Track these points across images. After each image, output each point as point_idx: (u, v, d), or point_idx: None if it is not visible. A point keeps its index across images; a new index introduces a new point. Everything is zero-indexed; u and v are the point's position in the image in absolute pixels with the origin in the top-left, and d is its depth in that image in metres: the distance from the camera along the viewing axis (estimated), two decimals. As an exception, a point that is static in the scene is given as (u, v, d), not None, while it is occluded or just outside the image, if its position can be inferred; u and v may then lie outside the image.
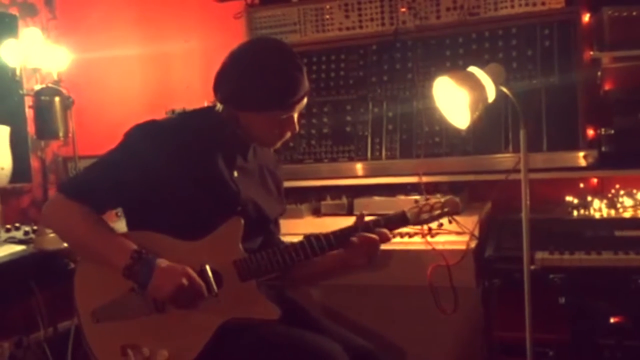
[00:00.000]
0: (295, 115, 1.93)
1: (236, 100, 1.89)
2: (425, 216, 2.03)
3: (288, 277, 2.11)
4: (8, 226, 2.68)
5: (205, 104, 2.26)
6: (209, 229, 1.89)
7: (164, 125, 1.95)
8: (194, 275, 1.80)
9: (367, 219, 1.99)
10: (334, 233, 1.96)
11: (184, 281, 1.77)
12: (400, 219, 2.02)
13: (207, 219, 1.89)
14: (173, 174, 1.86)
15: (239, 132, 1.92)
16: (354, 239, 1.93)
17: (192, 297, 1.79)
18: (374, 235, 1.94)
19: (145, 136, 1.88)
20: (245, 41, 1.96)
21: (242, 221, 1.91)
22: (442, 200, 2.06)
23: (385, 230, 1.96)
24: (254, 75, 1.84)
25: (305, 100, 1.92)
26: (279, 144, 2.02)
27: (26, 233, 2.60)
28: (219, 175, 1.93)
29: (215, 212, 1.90)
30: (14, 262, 2.34)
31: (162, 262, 1.79)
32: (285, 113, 1.89)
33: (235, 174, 1.97)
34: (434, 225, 2.14)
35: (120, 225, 2.02)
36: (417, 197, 2.36)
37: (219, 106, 1.94)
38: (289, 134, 1.97)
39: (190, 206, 1.87)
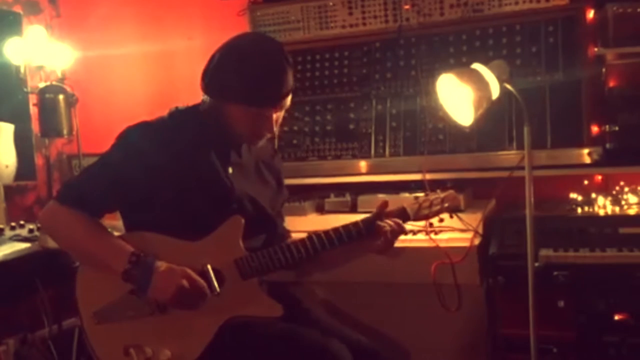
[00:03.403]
0: (275, 116, 1.90)
1: (219, 90, 1.87)
2: (425, 212, 2.05)
3: (296, 270, 2.12)
4: (13, 224, 2.68)
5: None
6: (207, 227, 1.89)
7: (156, 125, 1.94)
8: (194, 275, 1.80)
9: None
10: (337, 232, 1.96)
11: (184, 283, 1.77)
12: (401, 215, 2.03)
13: (204, 217, 1.89)
14: (167, 173, 1.85)
15: (225, 126, 1.90)
16: (383, 224, 1.94)
17: (193, 298, 1.79)
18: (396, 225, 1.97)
19: (138, 137, 1.88)
20: (236, 35, 1.94)
21: (243, 220, 1.91)
22: (442, 195, 2.07)
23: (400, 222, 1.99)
24: (235, 67, 1.83)
25: (286, 100, 1.90)
26: (259, 143, 2.00)
27: (31, 231, 2.60)
28: (212, 172, 1.92)
29: (211, 209, 1.90)
30: (18, 260, 2.34)
31: (161, 265, 1.78)
32: (262, 110, 1.87)
33: (230, 170, 1.96)
34: (434, 220, 2.15)
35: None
36: (420, 194, 2.36)
37: (204, 97, 1.93)
38: (268, 135, 1.95)
39: (186, 205, 1.87)
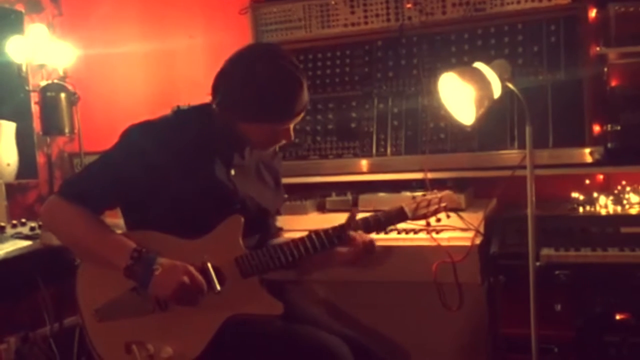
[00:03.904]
0: (292, 126, 1.93)
1: (232, 109, 1.87)
2: (422, 211, 2.07)
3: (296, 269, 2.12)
4: (14, 222, 2.69)
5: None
6: (209, 227, 1.89)
7: (160, 125, 1.93)
8: (195, 272, 1.80)
9: (359, 216, 2.00)
10: (335, 229, 1.97)
11: (185, 279, 1.77)
12: (399, 215, 2.04)
13: (206, 218, 1.89)
14: (170, 174, 1.85)
15: (238, 135, 1.92)
16: (355, 234, 1.94)
17: (193, 294, 1.80)
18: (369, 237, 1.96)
19: (142, 136, 1.88)
20: (249, 47, 1.93)
21: (242, 219, 1.91)
22: (439, 195, 2.08)
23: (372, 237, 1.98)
24: (252, 88, 1.82)
25: (302, 114, 1.92)
26: (271, 150, 2.02)
27: (32, 229, 2.61)
28: (215, 175, 1.92)
29: (214, 211, 1.90)
30: (20, 258, 2.35)
31: (163, 261, 1.79)
32: (281, 126, 1.89)
33: (232, 172, 1.97)
34: (432, 220, 2.15)
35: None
36: (419, 193, 2.36)
37: (215, 107, 1.92)
38: (283, 142, 1.97)
39: (187, 205, 1.88)
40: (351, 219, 1.99)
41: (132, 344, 1.79)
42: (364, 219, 1.99)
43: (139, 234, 1.87)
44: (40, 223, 2.63)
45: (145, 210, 1.89)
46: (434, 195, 2.09)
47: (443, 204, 2.08)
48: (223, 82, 1.88)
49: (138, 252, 1.79)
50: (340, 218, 2.07)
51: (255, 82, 1.82)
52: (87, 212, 1.84)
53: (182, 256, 1.83)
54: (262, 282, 1.96)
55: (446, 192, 2.11)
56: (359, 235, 1.96)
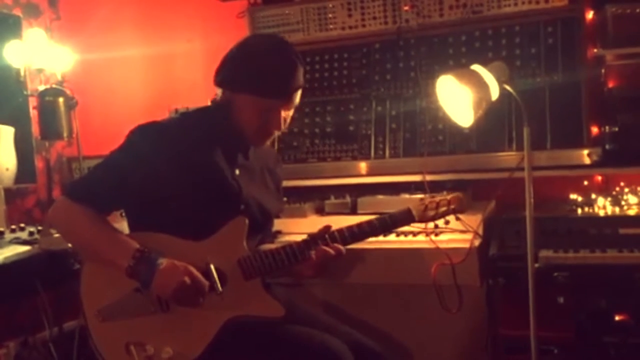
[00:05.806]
0: (284, 114, 1.94)
1: (230, 81, 1.91)
2: (431, 213, 2.04)
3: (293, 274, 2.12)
4: (13, 227, 2.69)
5: (209, 103, 2.27)
6: (213, 228, 1.90)
7: (166, 125, 1.96)
8: (196, 273, 1.81)
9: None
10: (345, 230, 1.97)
11: (187, 280, 1.78)
12: (406, 216, 2.03)
13: (211, 218, 1.90)
14: (175, 174, 1.87)
15: (234, 122, 1.92)
16: (312, 251, 1.92)
17: (194, 295, 1.80)
18: (329, 250, 1.93)
19: (148, 137, 1.89)
20: (253, 34, 1.98)
21: (247, 221, 1.92)
22: (448, 197, 2.06)
23: (340, 247, 1.94)
24: (251, 60, 1.89)
25: (295, 96, 1.94)
26: (267, 142, 2.02)
27: (31, 234, 2.61)
28: (220, 174, 1.94)
29: (219, 211, 1.91)
30: (19, 263, 2.35)
31: (165, 261, 1.80)
32: (272, 102, 1.89)
33: (237, 172, 1.98)
34: (440, 222, 2.14)
35: (125, 226, 2.03)
36: (421, 195, 2.35)
37: (218, 92, 1.96)
38: (276, 133, 1.97)
39: (193, 206, 1.88)
40: (317, 235, 1.95)
41: (131, 344, 1.80)
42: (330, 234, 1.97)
43: (143, 235, 1.88)
44: (40, 228, 2.63)
45: (150, 211, 1.89)
46: (442, 197, 2.07)
47: (452, 206, 2.06)
48: (225, 60, 1.93)
49: (140, 252, 1.80)
50: (339, 221, 2.08)
51: (254, 55, 1.89)
52: (92, 212, 1.86)
53: (185, 257, 1.83)
54: (264, 285, 1.97)
55: (456, 194, 2.09)
56: (321, 251, 1.92)
